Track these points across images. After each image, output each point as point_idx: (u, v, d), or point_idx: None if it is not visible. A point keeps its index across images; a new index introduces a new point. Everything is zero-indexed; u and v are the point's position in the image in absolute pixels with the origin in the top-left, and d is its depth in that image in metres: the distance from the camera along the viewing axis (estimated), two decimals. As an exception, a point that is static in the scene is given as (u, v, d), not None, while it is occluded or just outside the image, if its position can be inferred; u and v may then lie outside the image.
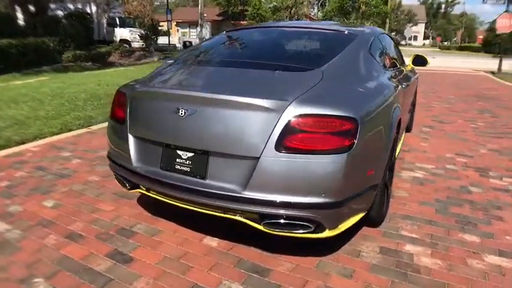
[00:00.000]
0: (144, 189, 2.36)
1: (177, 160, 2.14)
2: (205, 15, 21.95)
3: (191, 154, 2.10)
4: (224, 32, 3.56)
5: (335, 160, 1.87)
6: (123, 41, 21.38)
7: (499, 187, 3.48)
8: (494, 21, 34.18)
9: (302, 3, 36.00)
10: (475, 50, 45.32)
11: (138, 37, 21.13)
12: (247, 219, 2.04)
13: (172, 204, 2.32)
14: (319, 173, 1.88)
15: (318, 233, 1.98)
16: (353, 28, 3.20)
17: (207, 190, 2.01)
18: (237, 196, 1.95)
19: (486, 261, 2.32)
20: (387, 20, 31.91)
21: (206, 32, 25.62)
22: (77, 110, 6.09)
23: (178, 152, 2.14)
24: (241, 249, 2.34)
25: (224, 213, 2.08)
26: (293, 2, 34.37)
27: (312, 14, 43.11)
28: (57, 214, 2.74)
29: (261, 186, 1.90)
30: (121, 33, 22.01)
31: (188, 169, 2.11)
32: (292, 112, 1.89)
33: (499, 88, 11.30)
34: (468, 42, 58.53)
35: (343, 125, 1.88)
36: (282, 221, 1.94)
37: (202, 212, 2.21)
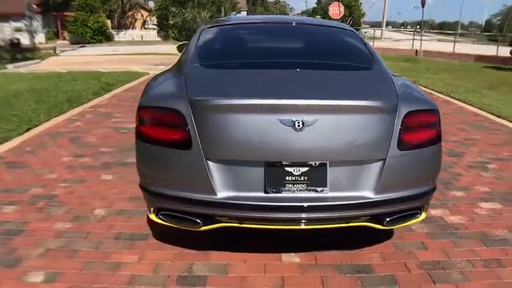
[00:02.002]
0: (234, 222, 2.07)
1: (288, 178, 1.99)
2: (34, 6, 18.68)
3: (305, 169, 1.99)
4: (206, 27, 3.00)
5: (438, 149, 2.20)
6: None
7: (434, 150, 4.40)
8: (314, 9, 39.73)
9: (134, -8, 34.28)
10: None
11: None
12: (368, 222, 2.12)
13: (226, 231, 2.14)
14: (432, 163, 2.19)
15: (418, 218, 2.24)
16: (337, 23, 3.49)
17: (332, 203, 1.99)
18: (367, 202, 2.01)
19: (484, 207, 3.04)
20: (222, 9, 33.26)
21: (38, 25, 21.83)
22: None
23: (288, 169, 1.98)
24: (325, 256, 2.35)
25: (347, 223, 2.10)
26: (125, -9, 32.45)
27: (143, 2, 41.44)
28: (67, 288, 2.06)
29: (389, 187, 2.04)
30: None
31: (304, 185, 1.99)
32: (404, 110, 2.05)
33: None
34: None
35: (435, 116, 2.20)
36: (403, 214, 2.13)
37: (312, 229, 2.16)
